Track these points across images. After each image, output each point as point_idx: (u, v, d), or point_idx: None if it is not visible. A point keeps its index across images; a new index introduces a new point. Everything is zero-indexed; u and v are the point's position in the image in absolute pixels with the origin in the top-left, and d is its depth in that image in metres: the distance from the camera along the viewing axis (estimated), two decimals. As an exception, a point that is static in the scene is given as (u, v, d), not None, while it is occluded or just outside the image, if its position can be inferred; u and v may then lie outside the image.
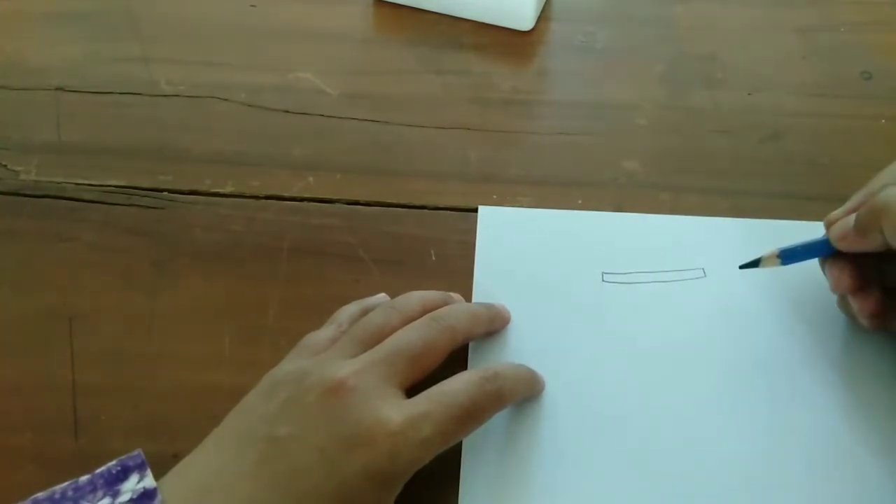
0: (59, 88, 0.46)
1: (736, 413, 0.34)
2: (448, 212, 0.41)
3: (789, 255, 0.35)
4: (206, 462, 0.29)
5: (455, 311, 0.34)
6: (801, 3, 0.50)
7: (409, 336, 0.32)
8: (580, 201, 0.42)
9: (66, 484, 0.28)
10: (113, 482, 0.28)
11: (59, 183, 0.42)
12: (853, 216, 0.33)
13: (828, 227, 0.34)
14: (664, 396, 0.35)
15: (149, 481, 0.28)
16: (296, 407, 0.29)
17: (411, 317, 0.33)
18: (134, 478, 0.28)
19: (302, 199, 0.42)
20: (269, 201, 0.42)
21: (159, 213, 0.41)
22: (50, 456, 0.34)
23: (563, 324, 0.37)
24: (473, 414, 0.30)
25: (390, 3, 0.50)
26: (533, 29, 0.49)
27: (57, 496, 0.28)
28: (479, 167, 0.43)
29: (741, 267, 0.36)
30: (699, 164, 0.43)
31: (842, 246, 0.33)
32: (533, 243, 0.40)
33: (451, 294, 0.37)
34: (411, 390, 0.30)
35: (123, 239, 0.40)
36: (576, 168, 0.43)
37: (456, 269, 0.39)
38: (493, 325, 0.36)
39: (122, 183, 0.42)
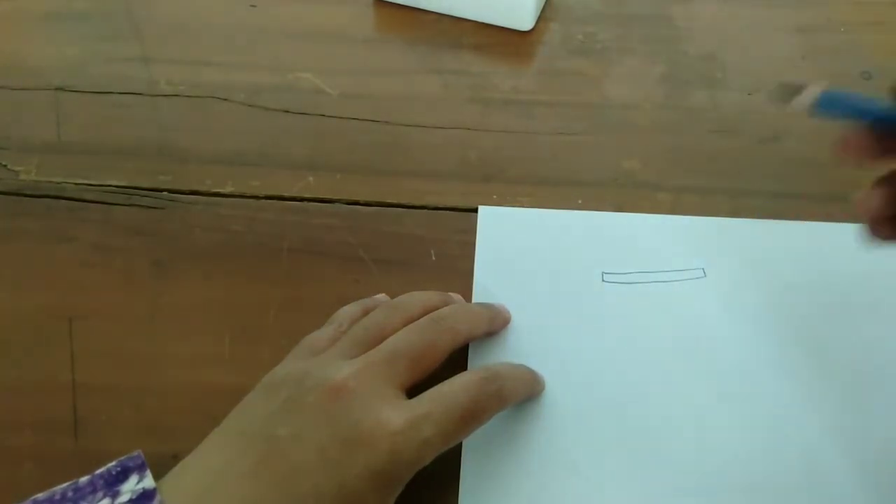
0: (59, 88, 0.46)
1: (736, 413, 0.34)
2: (448, 212, 0.41)
3: (828, 104, 0.28)
4: (205, 462, 0.29)
5: (456, 312, 0.34)
6: (801, 3, 0.50)
7: (410, 337, 0.32)
8: (580, 201, 0.42)
9: (66, 485, 0.28)
10: (113, 483, 0.28)
11: (59, 183, 0.42)
12: None
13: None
14: (664, 396, 0.35)
15: (148, 482, 0.28)
16: (296, 407, 0.29)
17: (412, 317, 0.33)
18: (133, 478, 0.28)
19: (302, 199, 0.42)
20: (269, 201, 0.42)
21: (159, 213, 0.41)
22: (50, 456, 0.34)
23: (563, 324, 0.37)
24: (474, 414, 0.30)
25: (390, 3, 0.50)
26: (533, 29, 0.49)
27: (57, 497, 0.28)
28: (479, 167, 0.43)
29: (779, 87, 0.29)
30: (699, 164, 0.43)
31: None
32: (533, 243, 0.40)
33: (452, 294, 0.37)
34: (412, 391, 0.30)
35: (123, 239, 0.40)
36: (576, 168, 0.43)
37: (456, 269, 0.39)
38: (494, 325, 0.36)
39: (122, 183, 0.42)
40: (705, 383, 0.35)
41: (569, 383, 0.35)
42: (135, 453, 0.29)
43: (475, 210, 0.41)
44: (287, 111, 0.45)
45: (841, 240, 0.39)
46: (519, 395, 0.33)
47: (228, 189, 0.42)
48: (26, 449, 0.34)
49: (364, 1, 0.51)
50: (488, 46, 0.48)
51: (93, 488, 0.28)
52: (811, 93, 0.28)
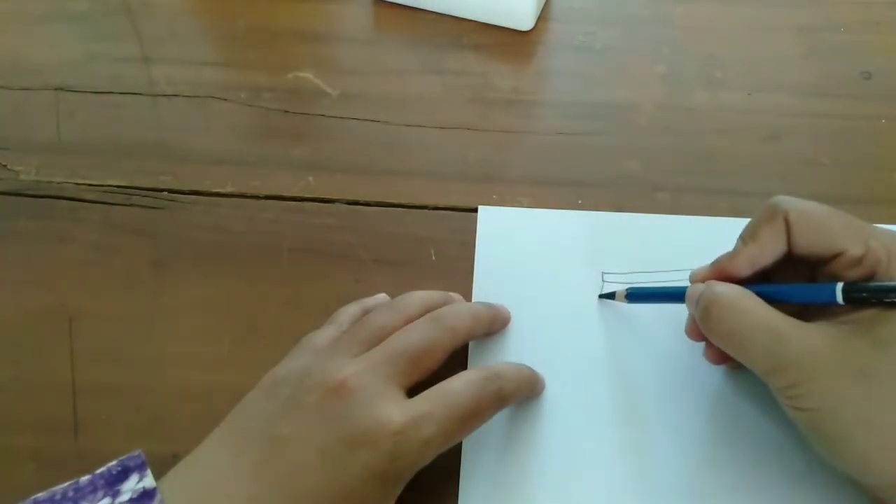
0: (59, 88, 0.46)
1: (735, 413, 0.34)
2: (448, 212, 0.41)
3: (636, 296, 0.36)
4: (206, 461, 0.29)
5: (456, 311, 0.34)
6: (801, 3, 0.50)
7: (411, 336, 0.32)
8: (580, 201, 0.42)
9: (66, 484, 0.28)
10: (113, 482, 0.28)
11: (59, 183, 0.42)
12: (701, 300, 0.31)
13: (691, 281, 0.33)
14: (663, 397, 0.35)
15: (149, 481, 0.28)
16: (297, 407, 0.29)
17: (412, 317, 0.33)
18: (134, 478, 0.28)
19: (302, 199, 0.42)
20: (269, 201, 0.42)
21: (159, 213, 0.41)
22: (50, 456, 0.34)
23: (563, 324, 0.37)
24: (475, 413, 0.30)
25: (390, 3, 0.50)
26: (533, 29, 0.49)
27: (58, 497, 0.28)
28: (479, 167, 0.43)
29: (601, 297, 0.38)
30: (699, 164, 0.43)
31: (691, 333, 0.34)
32: (533, 243, 0.40)
33: (452, 294, 0.37)
34: (412, 390, 0.30)
35: (123, 239, 0.40)
36: (576, 168, 0.43)
37: (456, 269, 0.39)
38: (494, 325, 0.36)
39: (122, 183, 0.42)
40: (704, 383, 0.35)
41: (569, 383, 0.35)
42: (135, 453, 0.29)
43: (475, 210, 0.41)
44: (287, 111, 0.45)
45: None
46: (519, 394, 0.33)
47: (228, 189, 0.42)
48: (26, 449, 0.34)
49: (364, 1, 0.51)
50: (488, 46, 0.48)
51: (93, 488, 0.28)
52: (621, 294, 0.37)
